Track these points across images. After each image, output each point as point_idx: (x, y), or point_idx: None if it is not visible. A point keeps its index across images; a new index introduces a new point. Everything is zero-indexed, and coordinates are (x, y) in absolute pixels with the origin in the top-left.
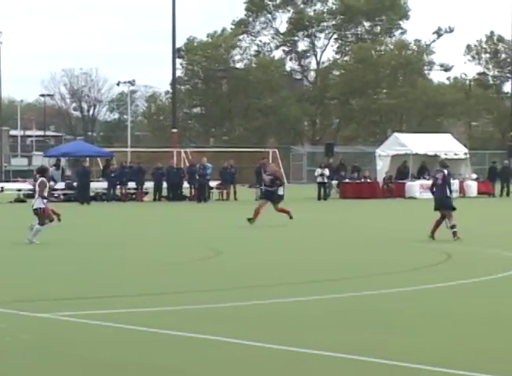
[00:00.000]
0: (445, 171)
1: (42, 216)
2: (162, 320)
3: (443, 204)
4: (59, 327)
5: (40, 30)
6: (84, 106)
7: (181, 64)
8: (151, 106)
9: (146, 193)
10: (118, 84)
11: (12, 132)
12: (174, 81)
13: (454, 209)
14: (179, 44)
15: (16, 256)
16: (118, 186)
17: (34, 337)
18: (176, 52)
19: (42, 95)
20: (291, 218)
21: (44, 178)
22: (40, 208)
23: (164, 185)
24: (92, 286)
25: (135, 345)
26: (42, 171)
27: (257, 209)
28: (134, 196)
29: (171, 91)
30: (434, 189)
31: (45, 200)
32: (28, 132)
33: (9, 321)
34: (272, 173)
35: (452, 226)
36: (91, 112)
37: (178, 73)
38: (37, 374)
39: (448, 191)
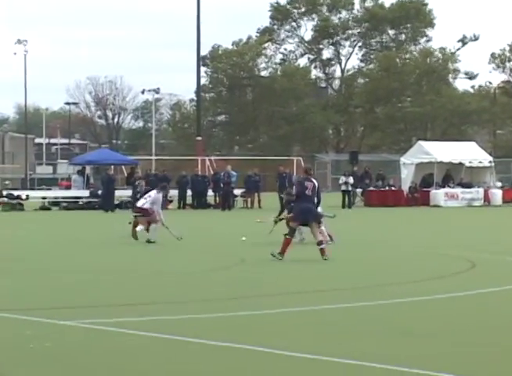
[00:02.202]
0: (315, 181)
1: None
2: (185, 328)
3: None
4: (83, 335)
5: (65, 39)
6: (109, 114)
7: (205, 72)
8: (176, 114)
9: (171, 201)
10: (143, 93)
11: (38, 140)
12: (199, 89)
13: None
14: (204, 52)
15: (42, 265)
16: None
17: (57, 344)
18: (201, 60)
19: (67, 103)
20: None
21: None
22: None
23: (189, 193)
24: (117, 294)
25: (160, 352)
26: None
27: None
28: None
29: (195, 99)
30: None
31: None
32: (53, 140)
33: (33, 328)
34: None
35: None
36: (115, 120)
37: (203, 81)
38: None
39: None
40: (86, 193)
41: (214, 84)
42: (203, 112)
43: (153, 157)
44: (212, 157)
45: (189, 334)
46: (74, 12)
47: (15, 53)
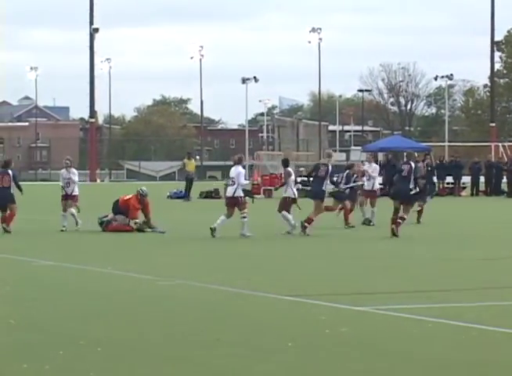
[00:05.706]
0: (412, 164)
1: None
2: (474, 315)
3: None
4: (378, 321)
5: (358, 26)
6: (402, 100)
7: (500, 57)
8: (469, 100)
9: (464, 188)
10: (436, 79)
11: (331, 127)
12: (493, 75)
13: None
14: (498, 37)
15: (327, 250)
16: (436, 181)
17: (353, 330)
18: (495, 45)
19: (360, 91)
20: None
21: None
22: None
23: (482, 179)
24: (406, 281)
25: (453, 340)
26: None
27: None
28: (452, 190)
29: (489, 84)
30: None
31: None
32: (346, 127)
33: (328, 314)
34: None
35: (402, 218)
36: (408, 107)
37: (497, 66)
38: (353, 365)
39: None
40: (379, 180)
41: (508, 69)
42: (497, 98)
43: (446, 144)
44: (506, 143)
45: (478, 321)
46: (367, 0)
47: (309, 41)
